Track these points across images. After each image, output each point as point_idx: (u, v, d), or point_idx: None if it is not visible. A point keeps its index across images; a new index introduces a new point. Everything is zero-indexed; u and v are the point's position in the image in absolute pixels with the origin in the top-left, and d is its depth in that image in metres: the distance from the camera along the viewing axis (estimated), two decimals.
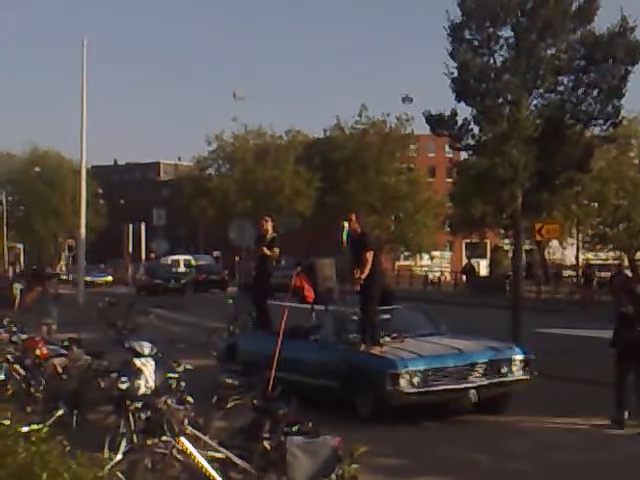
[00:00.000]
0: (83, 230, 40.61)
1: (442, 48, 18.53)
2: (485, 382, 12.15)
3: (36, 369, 12.02)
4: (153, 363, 9.57)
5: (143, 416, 8.11)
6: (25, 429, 6.61)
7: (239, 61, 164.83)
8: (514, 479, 9.42)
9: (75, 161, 62.78)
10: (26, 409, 10.94)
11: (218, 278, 52.34)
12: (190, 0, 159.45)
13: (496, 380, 12.28)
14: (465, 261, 64.22)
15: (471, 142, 19.47)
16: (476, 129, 19.07)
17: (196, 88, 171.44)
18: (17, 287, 27.83)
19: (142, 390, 9.06)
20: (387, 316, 13.53)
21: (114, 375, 9.97)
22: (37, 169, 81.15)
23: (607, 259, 60.26)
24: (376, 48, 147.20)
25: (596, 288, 40.37)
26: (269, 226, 16.20)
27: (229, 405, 8.81)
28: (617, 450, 10.75)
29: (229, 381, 9.23)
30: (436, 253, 75.75)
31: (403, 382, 11.66)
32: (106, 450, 8.29)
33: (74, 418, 10.75)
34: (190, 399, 8.11)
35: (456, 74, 18.48)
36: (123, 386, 8.91)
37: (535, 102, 18.85)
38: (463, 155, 43.59)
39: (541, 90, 18.67)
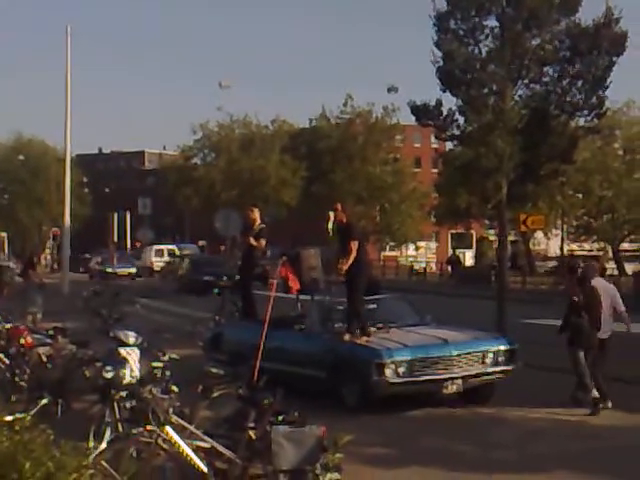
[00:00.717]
0: (68, 219, 40.45)
1: (428, 38, 18.57)
2: (470, 372, 12.21)
3: (20, 358, 11.94)
4: (138, 352, 9.53)
5: (128, 405, 8.09)
6: (9, 418, 6.58)
7: (225, 50, 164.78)
8: (499, 469, 9.45)
9: (59, 149, 62.52)
10: (10, 398, 10.91)
11: None
12: None
13: (481, 370, 12.34)
14: (450, 252, 64.29)
15: (456, 132, 19.44)
16: (461, 119, 19.04)
17: (181, 77, 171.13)
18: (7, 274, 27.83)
19: (127, 379, 9.02)
20: (373, 306, 13.53)
21: (99, 364, 9.93)
22: (21, 157, 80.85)
23: (591, 250, 60.41)
24: (362, 37, 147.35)
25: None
26: (256, 215, 15.90)
27: (214, 395, 8.77)
28: (601, 440, 10.80)
29: (214, 371, 9.22)
30: (422, 244, 75.82)
31: (389, 372, 11.69)
32: (91, 439, 8.26)
33: (59, 407, 10.75)
34: (175, 388, 8.10)
35: (441, 64, 18.48)
36: (108, 375, 8.88)
37: (520, 92, 18.84)
38: (449, 145, 43.62)
39: (526, 81, 18.66)
